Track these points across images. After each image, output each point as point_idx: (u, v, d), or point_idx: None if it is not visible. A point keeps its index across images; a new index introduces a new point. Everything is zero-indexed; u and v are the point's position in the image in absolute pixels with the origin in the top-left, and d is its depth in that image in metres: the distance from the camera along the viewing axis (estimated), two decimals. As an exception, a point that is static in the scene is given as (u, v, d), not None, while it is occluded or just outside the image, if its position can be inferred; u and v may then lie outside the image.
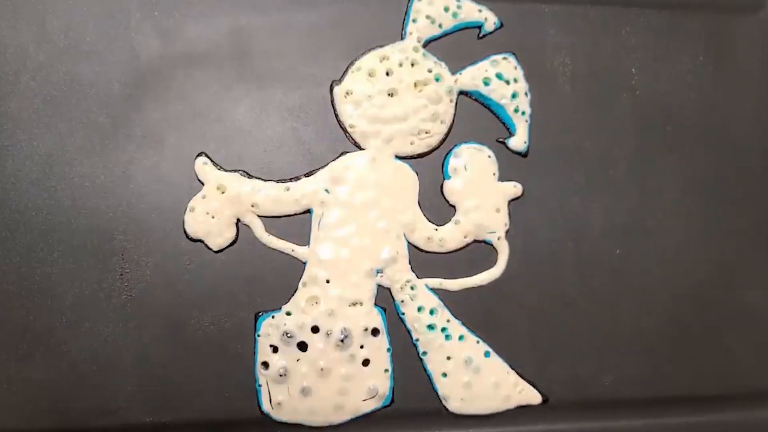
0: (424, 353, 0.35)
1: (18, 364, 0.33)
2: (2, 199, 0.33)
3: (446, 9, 0.37)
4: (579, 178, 0.37)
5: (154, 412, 0.33)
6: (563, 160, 0.37)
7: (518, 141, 0.37)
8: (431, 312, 0.35)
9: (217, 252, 0.34)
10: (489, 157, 0.36)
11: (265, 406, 0.33)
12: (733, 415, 0.37)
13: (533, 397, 0.35)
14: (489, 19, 0.37)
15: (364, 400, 0.34)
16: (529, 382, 0.36)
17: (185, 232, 0.34)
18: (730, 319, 0.38)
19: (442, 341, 0.35)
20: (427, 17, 0.36)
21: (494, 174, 0.36)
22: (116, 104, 0.35)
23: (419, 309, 0.35)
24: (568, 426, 0.35)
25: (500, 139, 0.37)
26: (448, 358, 0.35)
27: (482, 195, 0.36)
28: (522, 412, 0.35)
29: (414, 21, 0.36)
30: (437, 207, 0.36)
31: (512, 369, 0.35)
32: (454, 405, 0.35)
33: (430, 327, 0.35)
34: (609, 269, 0.37)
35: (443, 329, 0.35)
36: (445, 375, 0.35)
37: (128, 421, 0.33)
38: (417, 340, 0.35)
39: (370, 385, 0.34)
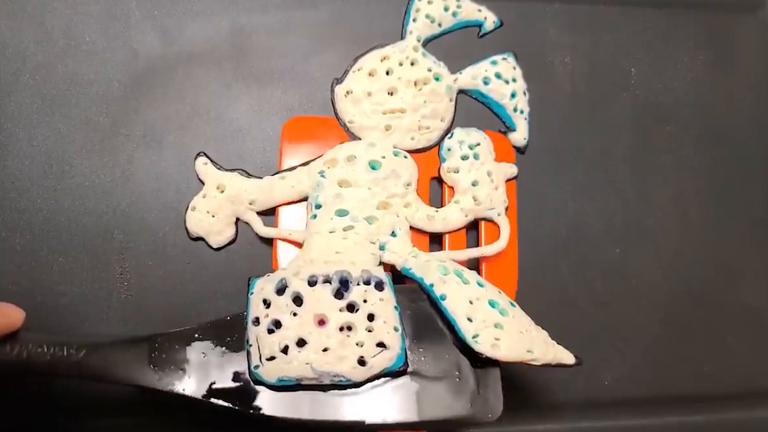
0: (442, 297, 0.30)
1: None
2: (2, 199, 0.33)
3: (446, 8, 0.37)
4: (579, 177, 0.37)
5: (153, 411, 0.33)
6: (563, 159, 0.37)
7: (518, 137, 0.37)
8: (440, 263, 0.32)
9: (216, 250, 0.34)
10: (484, 138, 0.36)
11: (254, 363, 0.29)
12: (733, 415, 0.37)
13: (567, 357, 0.31)
14: (489, 19, 0.38)
15: (373, 356, 0.29)
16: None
17: (186, 230, 0.34)
18: (730, 319, 0.38)
19: (459, 282, 0.31)
20: (427, 16, 0.36)
21: (490, 153, 0.36)
22: (116, 104, 0.35)
23: (427, 261, 0.32)
24: (568, 425, 0.35)
25: (501, 130, 0.37)
26: (471, 302, 0.30)
27: (480, 173, 0.35)
28: (522, 412, 0.35)
29: (414, 20, 0.36)
30: (436, 205, 0.36)
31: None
32: (487, 348, 0.29)
33: (443, 270, 0.31)
34: (609, 269, 0.37)
35: (458, 273, 0.31)
36: (470, 320, 0.30)
37: (127, 421, 0.33)
38: (431, 285, 0.31)
39: (377, 340, 0.29)
